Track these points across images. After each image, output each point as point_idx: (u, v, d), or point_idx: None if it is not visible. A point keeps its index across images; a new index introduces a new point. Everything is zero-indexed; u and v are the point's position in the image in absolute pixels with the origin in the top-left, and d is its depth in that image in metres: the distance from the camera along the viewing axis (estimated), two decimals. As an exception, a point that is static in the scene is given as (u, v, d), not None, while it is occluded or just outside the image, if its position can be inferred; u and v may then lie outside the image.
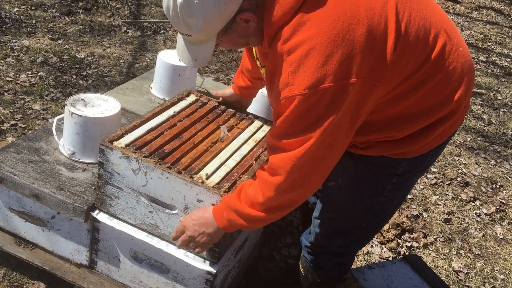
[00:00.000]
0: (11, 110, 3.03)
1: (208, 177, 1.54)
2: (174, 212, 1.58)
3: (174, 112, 1.86)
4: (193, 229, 1.45)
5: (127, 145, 1.60)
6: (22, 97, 3.19)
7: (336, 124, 1.21)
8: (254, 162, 1.68)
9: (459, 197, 3.11)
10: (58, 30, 4.26)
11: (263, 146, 1.78)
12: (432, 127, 1.39)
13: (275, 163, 1.29)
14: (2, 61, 3.55)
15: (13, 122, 2.93)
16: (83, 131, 1.86)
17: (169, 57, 2.43)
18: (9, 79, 3.36)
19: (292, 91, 1.18)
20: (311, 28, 1.17)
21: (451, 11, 8.26)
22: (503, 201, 3.16)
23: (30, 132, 2.77)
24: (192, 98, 2.00)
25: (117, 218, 1.69)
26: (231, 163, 1.64)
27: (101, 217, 1.70)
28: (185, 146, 1.67)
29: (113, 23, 4.69)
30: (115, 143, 1.60)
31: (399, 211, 2.82)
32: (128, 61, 4.01)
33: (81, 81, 3.55)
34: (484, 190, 3.25)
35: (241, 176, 1.59)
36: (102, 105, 1.93)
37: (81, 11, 4.77)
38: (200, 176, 1.53)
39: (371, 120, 1.34)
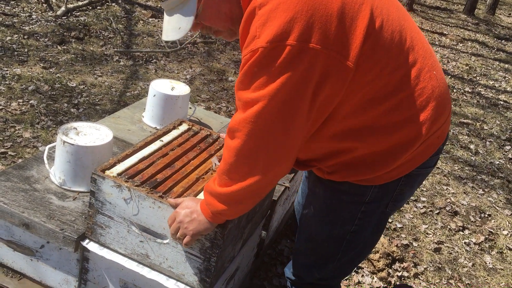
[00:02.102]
0: (1, 138, 3.03)
1: (199, 206, 1.55)
2: (165, 241, 1.57)
3: (167, 141, 1.87)
4: (183, 215, 1.44)
5: (119, 174, 1.61)
6: (13, 125, 3.19)
7: (295, 91, 1.18)
8: (245, 191, 1.69)
9: (448, 226, 3.13)
10: (50, 59, 4.30)
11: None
12: (396, 152, 1.36)
13: (233, 126, 1.28)
14: (-7, 89, 3.57)
15: (2, 150, 2.92)
16: (74, 160, 1.86)
17: (161, 86, 2.46)
18: (0, 107, 3.36)
19: (256, 44, 1.17)
20: None
21: (437, 43, 8.45)
22: (492, 230, 3.18)
23: (20, 160, 2.76)
24: (184, 127, 2.01)
25: (107, 247, 1.68)
26: (223, 192, 1.65)
27: (91, 246, 1.69)
28: (177, 175, 1.68)
29: (105, 52, 4.73)
30: (107, 172, 1.61)
31: (389, 240, 2.83)
32: (120, 90, 4.04)
33: (72, 109, 3.56)
34: (472, 219, 3.27)
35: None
36: (94, 134, 1.94)
37: (73, 40, 4.82)
38: (192, 205, 1.53)
39: (336, 127, 1.33)
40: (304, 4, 1.15)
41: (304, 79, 1.17)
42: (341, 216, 1.51)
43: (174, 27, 1.36)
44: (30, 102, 3.52)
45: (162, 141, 1.86)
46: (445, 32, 9.35)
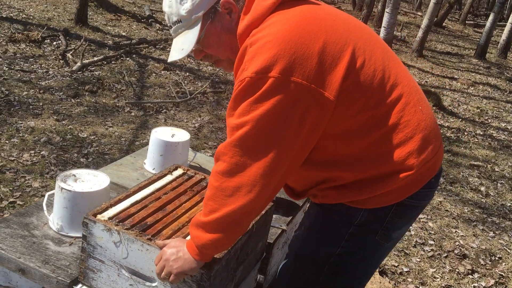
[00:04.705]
0: (11, 188, 3.12)
1: (187, 248, 1.57)
2: (154, 284, 1.59)
3: (161, 185, 1.91)
4: (169, 253, 1.47)
5: (110, 218, 1.65)
6: (23, 175, 3.29)
7: (276, 120, 1.27)
8: (234, 233, 1.71)
9: (457, 270, 3.06)
10: (64, 112, 4.46)
11: (245, 218, 1.81)
12: (384, 179, 1.41)
13: (219, 150, 1.35)
14: (7, 142, 3.70)
15: (12, 199, 3.00)
16: (71, 206, 1.91)
17: (162, 134, 2.53)
18: (12, 158, 3.48)
19: (244, 75, 1.29)
20: (275, 26, 1.31)
21: (447, 87, 8.50)
22: (502, 273, 3.10)
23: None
24: (179, 172, 2.06)
25: (99, 291, 1.70)
26: (212, 234, 1.67)
27: (84, 291, 1.71)
28: (168, 218, 1.71)
29: (117, 104, 4.90)
30: (99, 216, 1.65)
31: (395, 284, 2.77)
32: (129, 139, 4.15)
33: (82, 159, 3.66)
34: (482, 262, 3.19)
35: (220, 247, 1.61)
36: (92, 180, 2.00)
37: (87, 93, 5.01)
38: (179, 248, 1.56)
39: (323, 156, 1.41)
40: (287, 43, 1.27)
41: (285, 109, 1.27)
42: (329, 236, 1.55)
43: (178, 48, 1.48)
44: (42, 153, 3.64)
45: (156, 185, 1.91)
46: (456, 77, 9.42)
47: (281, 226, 2.27)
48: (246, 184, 1.32)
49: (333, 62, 1.30)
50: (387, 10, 9.55)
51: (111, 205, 1.72)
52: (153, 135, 2.52)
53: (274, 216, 2.31)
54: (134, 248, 1.58)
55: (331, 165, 1.43)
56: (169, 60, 1.53)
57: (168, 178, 2.00)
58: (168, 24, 1.52)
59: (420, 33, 10.65)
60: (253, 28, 1.37)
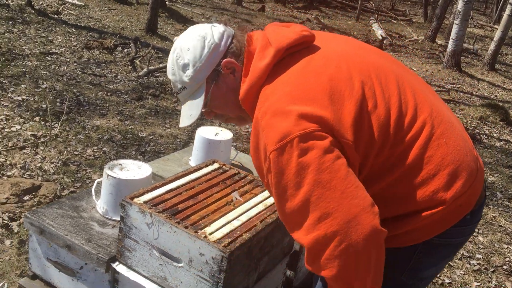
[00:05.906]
0: (73, 179, 3.39)
1: (211, 233, 1.68)
2: (180, 265, 1.71)
3: (196, 176, 2.04)
4: None
5: (146, 202, 1.79)
6: (85, 168, 3.56)
7: (327, 172, 1.22)
8: (259, 223, 1.79)
9: (503, 285, 2.94)
10: (127, 113, 4.75)
11: (272, 210, 1.89)
12: (404, 217, 1.34)
13: (312, 246, 1.26)
14: (74, 138, 4.02)
15: (72, 189, 3.27)
16: (116, 192, 2.08)
17: (206, 132, 2.67)
18: (77, 153, 3.78)
19: (269, 150, 1.27)
20: (277, 93, 1.31)
21: (518, 102, 8.09)
22: (554, 293, 2.94)
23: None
24: (215, 166, 2.18)
25: (133, 270, 1.84)
26: (237, 222, 1.77)
27: (120, 268, 1.86)
28: (198, 205, 1.83)
29: (177, 108, 5.14)
30: (135, 199, 1.80)
31: (434, 295, 2.72)
32: (184, 140, 4.35)
33: (139, 156, 3.89)
34: (533, 280, 3.05)
35: (243, 234, 1.71)
36: (136, 170, 2.17)
37: (150, 97, 5.30)
38: (204, 232, 1.67)
39: None
40: (296, 101, 1.28)
41: (326, 158, 1.24)
42: None
43: (186, 114, 1.51)
44: (103, 149, 3.92)
45: (192, 176, 2.04)
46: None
47: (313, 224, 2.31)
48: (347, 245, 1.23)
49: (343, 107, 1.28)
50: (456, 21, 9.28)
51: (148, 191, 1.87)
52: (198, 133, 2.67)
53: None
54: (164, 230, 1.71)
55: None
56: (180, 126, 1.55)
57: (204, 170, 2.12)
58: (174, 91, 1.54)
59: (492, 46, 10.22)
60: (254, 91, 1.37)
